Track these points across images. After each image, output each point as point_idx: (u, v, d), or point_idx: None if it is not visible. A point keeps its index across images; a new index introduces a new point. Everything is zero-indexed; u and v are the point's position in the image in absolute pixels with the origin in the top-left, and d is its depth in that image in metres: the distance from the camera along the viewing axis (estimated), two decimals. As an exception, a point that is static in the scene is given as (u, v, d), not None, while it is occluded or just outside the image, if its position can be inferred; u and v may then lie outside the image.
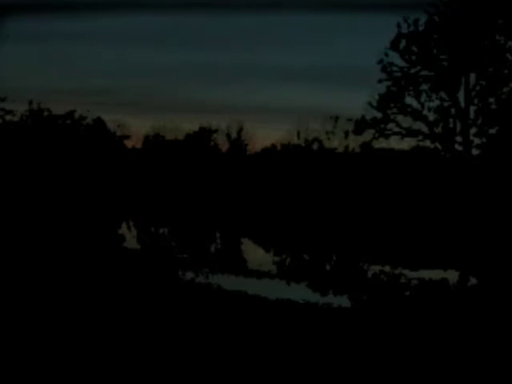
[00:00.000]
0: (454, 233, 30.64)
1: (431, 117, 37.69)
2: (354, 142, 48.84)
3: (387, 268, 24.05)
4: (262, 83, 69.02)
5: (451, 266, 24.30)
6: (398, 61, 37.94)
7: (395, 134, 38.72)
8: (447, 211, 34.55)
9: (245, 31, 63.04)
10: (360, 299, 17.64)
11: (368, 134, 40.97)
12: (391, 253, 28.43)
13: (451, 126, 37.64)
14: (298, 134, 52.64)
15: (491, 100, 36.88)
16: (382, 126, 38.85)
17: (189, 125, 58.99)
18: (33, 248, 23.56)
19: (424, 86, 37.61)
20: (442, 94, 37.32)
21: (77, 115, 53.47)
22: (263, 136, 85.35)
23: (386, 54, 38.04)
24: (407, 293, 19.52)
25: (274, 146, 52.95)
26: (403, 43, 37.70)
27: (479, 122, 37.05)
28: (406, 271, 23.26)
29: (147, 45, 63.58)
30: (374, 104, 38.45)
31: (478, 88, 36.96)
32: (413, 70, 37.82)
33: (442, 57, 37.07)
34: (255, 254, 28.47)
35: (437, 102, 37.52)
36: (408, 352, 11.71)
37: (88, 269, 19.87)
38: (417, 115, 37.86)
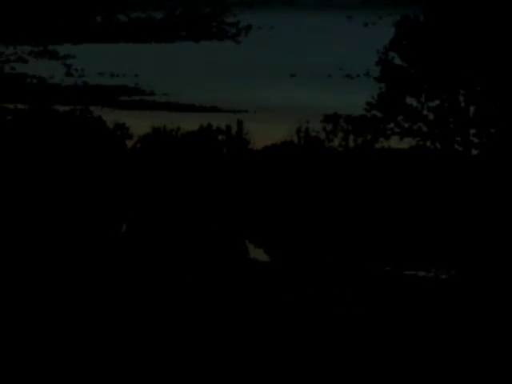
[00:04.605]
0: (453, 231, 30.68)
1: (431, 117, 37.69)
2: (354, 142, 48.93)
3: (386, 266, 24.09)
4: (262, 83, 69.09)
5: (450, 264, 24.34)
6: (398, 61, 37.98)
7: (395, 133, 38.68)
8: (446, 211, 34.58)
9: (245, 31, 63.02)
10: (359, 297, 17.66)
11: (368, 134, 40.96)
12: (390, 251, 28.46)
13: (451, 126, 37.62)
14: (298, 133, 52.79)
15: (491, 100, 36.90)
16: (382, 125, 38.81)
17: (189, 125, 59.12)
18: (34, 244, 23.61)
19: (424, 86, 37.60)
20: (442, 94, 37.32)
21: (77, 114, 53.55)
22: (263, 135, 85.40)
23: (386, 54, 38.06)
24: (406, 291, 19.54)
25: (274, 145, 53.10)
26: (403, 43, 37.71)
27: (479, 122, 37.06)
28: (404, 269, 23.30)
29: (148, 44, 63.64)
30: (374, 104, 38.42)
31: (478, 88, 36.97)
32: (413, 70, 37.82)
33: (441, 57, 37.08)
34: (256, 251, 28.52)
35: (437, 102, 37.52)
36: (405, 349, 11.78)
37: (88, 265, 19.93)
38: (417, 115, 37.83)
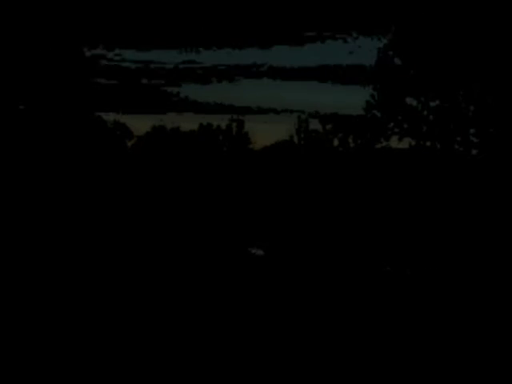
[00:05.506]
0: (454, 231, 30.69)
1: (431, 117, 37.69)
2: (354, 142, 48.91)
3: (386, 266, 24.10)
4: (262, 83, 69.10)
5: (448, 265, 24.34)
6: (398, 61, 37.98)
7: (395, 133, 38.69)
8: (446, 210, 34.59)
9: (245, 31, 63.10)
10: (359, 297, 17.68)
11: (368, 134, 40.95)
12: (390, 251, 28.46)
13: (451, 126, 37.63)
14: (298, 133, 52.78)
15: (491, 100, 36.90)
16: (382, 126, 38.82)
17: (189, 125, 59.13)
18: (33, 243, 23.64)
19: (424, 86, 37.61)
20: (442, 94, 37.33)
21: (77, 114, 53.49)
22: (263, 135, 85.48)
23: (386, 54, 38.07)
24: (405, 291, 19.57)
25: (274, 145, 53.13)
26: (403, 43, 37.73)
27: (479, 122, 37.06)
28: (404, 269, 23.30)
29: (148, 44, 63.65)
30: (374, 104, 38.42)
31: (478, 88, 36.97)
32: (413, 70, 37.83)
33: (441, 57, 37.09)
34: (256, 251, 28.50)
35: (437, 102, 37.53)
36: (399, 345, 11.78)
37: (89, 265, 19.95)
38: (417, 115, 37.84)
